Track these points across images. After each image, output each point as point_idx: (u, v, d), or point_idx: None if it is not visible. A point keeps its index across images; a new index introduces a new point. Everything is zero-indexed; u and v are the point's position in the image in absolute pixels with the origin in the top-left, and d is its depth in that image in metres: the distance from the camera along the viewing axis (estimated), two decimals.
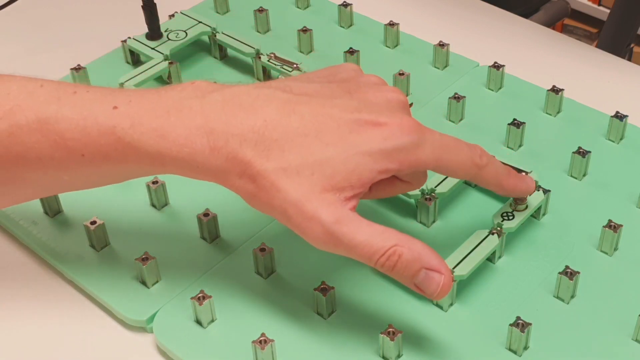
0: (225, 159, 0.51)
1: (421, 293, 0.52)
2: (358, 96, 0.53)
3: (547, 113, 0.70)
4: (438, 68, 0.76)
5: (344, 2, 0.81)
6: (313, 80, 0.55)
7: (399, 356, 0.54)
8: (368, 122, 0.51)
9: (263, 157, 0.50)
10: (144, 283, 0.58)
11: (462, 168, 0.54)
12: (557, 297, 0.56)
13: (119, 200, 0.64)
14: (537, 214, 0.62)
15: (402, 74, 0.72)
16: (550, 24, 1.29)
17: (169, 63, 0.74)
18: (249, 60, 0.76)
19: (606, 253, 0.59)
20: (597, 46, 1.17)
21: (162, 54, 0.74)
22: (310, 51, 0.78)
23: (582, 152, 0.64)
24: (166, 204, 0.64)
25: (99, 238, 0.60)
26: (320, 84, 0.55)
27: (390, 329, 0.53)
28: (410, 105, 0.69)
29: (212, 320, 0.56)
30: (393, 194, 0.58)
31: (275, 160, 0.50)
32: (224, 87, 0.53)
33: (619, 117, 0.67)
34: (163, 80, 0.74)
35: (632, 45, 1.26)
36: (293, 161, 0.50)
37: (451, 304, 0.56)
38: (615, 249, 0.59)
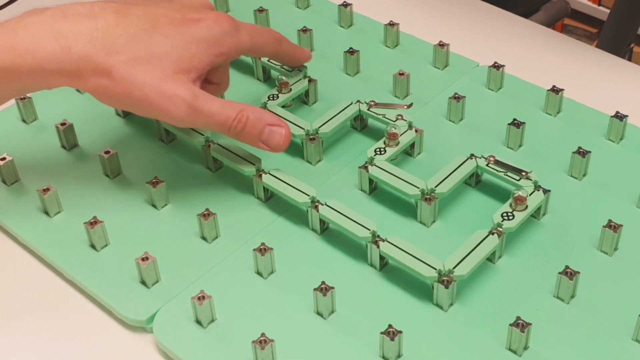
0: (77, 57, 0.57)
1: (267, 149, 0.62)
2: (176, 2, 0.63)
3: (547, 113, 0.70)
4: (438, 68, 0.76)
5: (344, 2, 0.81)
6: None
7: (399, 356, 0.53)
8: (192, 19, 0.60)
9: (113, 51, 0.57)
10: (144, 283, 0.58)
11: (270, 45, 0.67)
12: (557, 297, 0.56)
13: (119, 200, 0.64)
14: (537, 214, 0.62)
15: (402, 74, 0.72)
16: (550, 24, 1.29)
17: None
18: (249, 60, 0.76)
19: (606, 253, 0.59)
20: (597, 46, 1.17)
21: None
22: (311, 51, 0.78)
23: (582, 152, 0.64)
24: (166, 204, 0.64)
25: (99, 237, 0.60)
26: None
27: (390, 329, 0.53)
28: (410, 105, 0.69)
29: (212, 320, 0.56)
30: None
31: (124, 53, 0.57)
32: (56, 7, 0.58)
33: (619, 117, 0.67)
34: None
35: (632, 45, 1.26)
36: (141, 52, 0.58)
37: (451, 304, 0.56)
38: (615, 249, 0.59)
